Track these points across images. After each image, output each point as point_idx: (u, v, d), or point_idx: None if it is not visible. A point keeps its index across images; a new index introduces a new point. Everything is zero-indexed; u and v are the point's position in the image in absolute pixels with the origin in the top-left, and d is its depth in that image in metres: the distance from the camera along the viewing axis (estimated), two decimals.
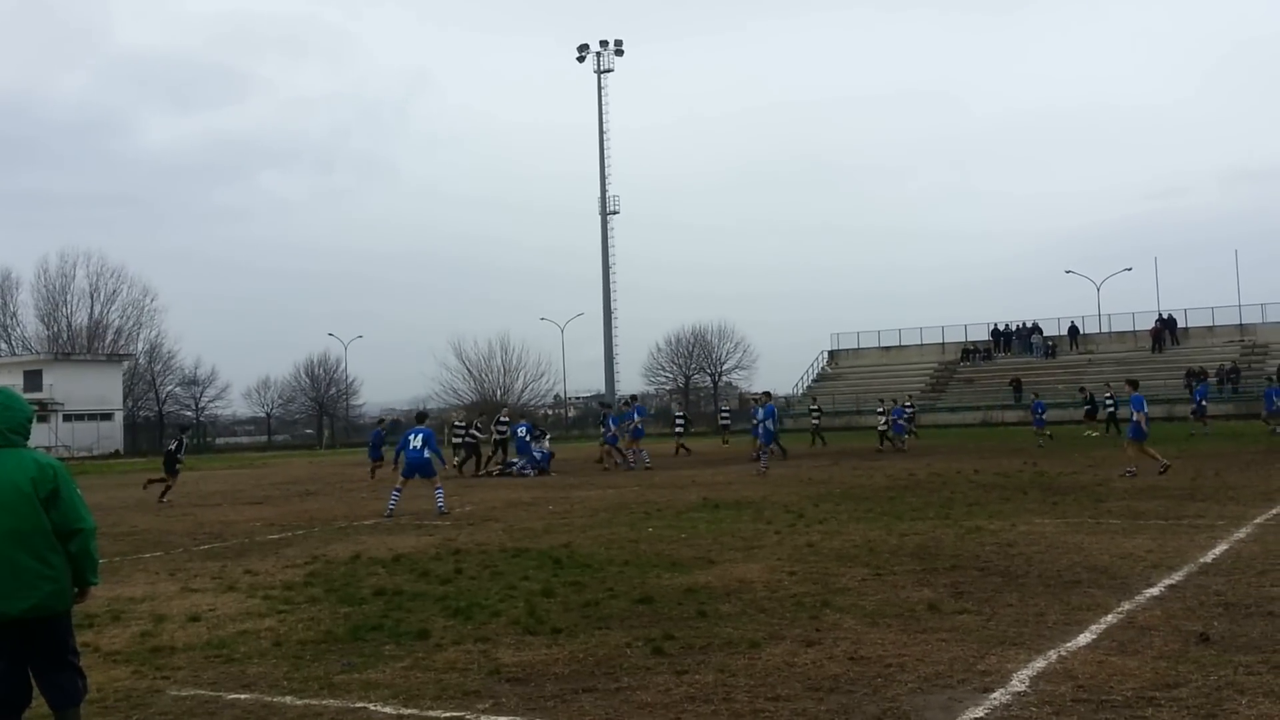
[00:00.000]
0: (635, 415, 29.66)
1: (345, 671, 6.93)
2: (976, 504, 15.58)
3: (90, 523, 5.31)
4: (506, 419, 30.48)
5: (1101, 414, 39.70)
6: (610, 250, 75.88)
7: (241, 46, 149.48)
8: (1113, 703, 5.59)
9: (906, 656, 6.69)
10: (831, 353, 71.47)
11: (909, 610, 8.11)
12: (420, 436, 17.51)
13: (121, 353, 78.83)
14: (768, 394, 27.95)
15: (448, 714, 5.90)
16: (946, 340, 67.85)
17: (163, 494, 22.91)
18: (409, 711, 5.96)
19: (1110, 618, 7.60)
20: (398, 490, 17.91)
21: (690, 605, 8.61)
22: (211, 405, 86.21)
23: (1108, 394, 39.73)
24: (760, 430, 24.88)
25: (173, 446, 24.19)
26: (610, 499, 19.17)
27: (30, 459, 5.26)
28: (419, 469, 17.43)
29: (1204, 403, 34.92)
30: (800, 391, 66.54)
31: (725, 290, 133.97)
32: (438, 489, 17.75)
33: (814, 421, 40.55)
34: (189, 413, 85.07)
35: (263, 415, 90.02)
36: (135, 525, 17.77)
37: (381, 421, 32.26)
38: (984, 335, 66.93)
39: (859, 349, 70.73)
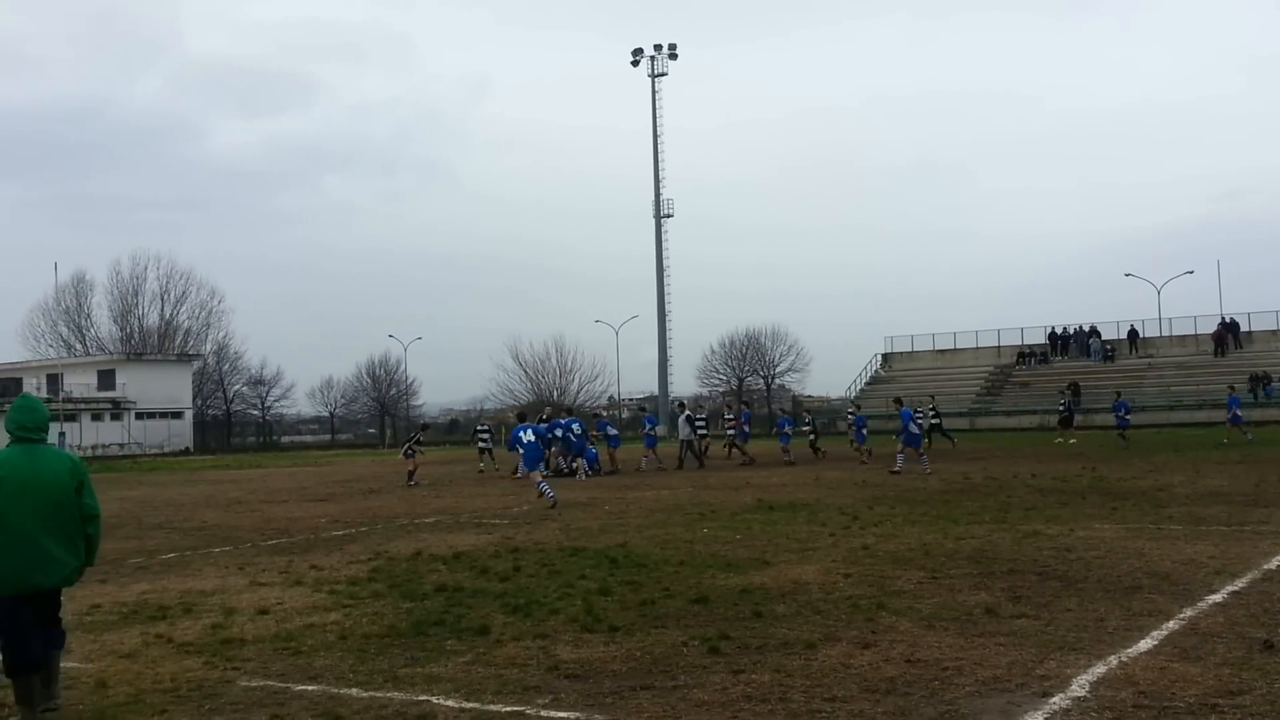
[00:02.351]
0: (647, 424, 29.73)
1: (408, 665, 7.01)
2: (1034, 508, 15.36)
3: (100, 510, 6.19)
4: (485, 426, 30.96)
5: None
6: (664, 253, 75.91)
7: (306, 52, 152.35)
8: (1175, 709, 5.48)
9: (964, 660, 6.62)
10: (885, 355, 70.78)
11: (966, 614, 8.02)
12: (531, 431, 19.20)
13: (191, 353, 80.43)
14: (898, 400, 27.52)
15: (508, 709, 5.94)
16: (1002, 343, 66.81)
17: (410, 475, 25.80)
18: (470, 705, 6.02)
19: (1172, 624, 7.46)
20: (538, 482, 18.76)
21: (745, 605, 8.59)
22: (277, 405, 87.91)
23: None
24: (903, 434, 24.19)
25: (411, 438, 28.03)
26: (665, 500, 19.17)
27: (63, 454, 6.13)
28: (536, 459, 18.98)
29: (1239, 411, 34.04)
30: (854, 393, 66.01)
31: (779, 292, 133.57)
32: (541, 482, 18.80)
33: (933, 421, 39.37)
34: (255, 411, 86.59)
35: (326, 415, 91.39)
36: (205, 521, 18.12)
37: (425, 426, 32.72)
38: (1040, 338, 65.80)
39: (913, 351, 69.95)
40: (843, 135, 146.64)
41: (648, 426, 30.22)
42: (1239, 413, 34.00)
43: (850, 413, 34.68)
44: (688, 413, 32.41)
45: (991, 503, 16.39)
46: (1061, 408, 40.55)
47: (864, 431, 30.24)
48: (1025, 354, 64.98)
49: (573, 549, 12.47)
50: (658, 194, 75.02)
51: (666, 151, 76.70)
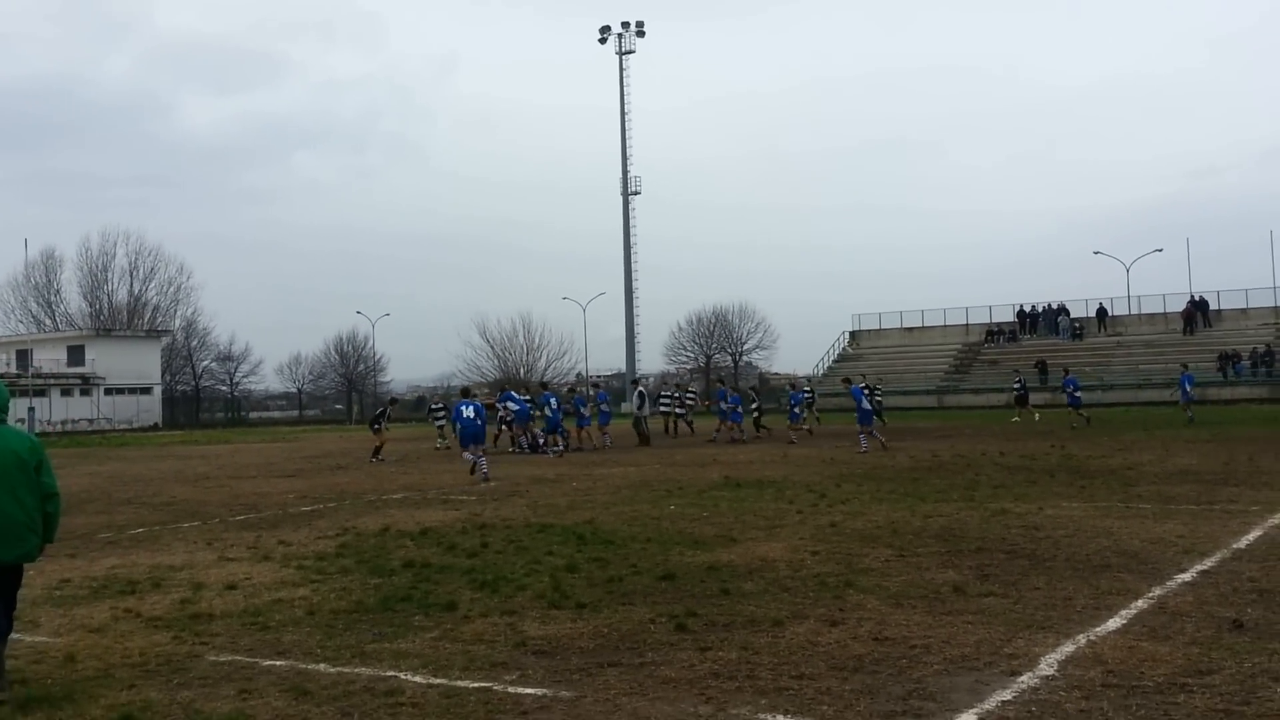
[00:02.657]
0: (601, 400, 29.77)
1: (376, 641, 6.94)
2: (1002, 486, 15.42)
3: (59, 488, 6.31)
4: (439, 404, 31.01)
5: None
6: (632, 230, 75.49)
7: (276, 29, 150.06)
8: (1144, 688, 5.48)
9: (932, 638, 6.61)
10: (853, 333, 71.01)
11: (934, 592, 8.02)
12: (472, 408, 19.54)
13: (160, 329, 79.72)
14: (846, 380, 27.71)
15: (475, 684, 5.87)
16: (971, 321, 67.25)
17: (375, 451, 25.62)
18: (438, 681, 5.95)
19: (1141, 603, 7.48)
20: (470, 457, 19.35)
21: (713, 583, 8.57)
22: (245, 380, 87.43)
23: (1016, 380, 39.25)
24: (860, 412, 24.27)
25: (379, 412, 27.52)
26: (632, 477, 19.14)
27: (22, 433, 6.27)
28: (475, 436, 19.27)
29: (1189, 389, 33.88)
30: (822, 371, 66.25)
31: (746, 270, 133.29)
32: (481, 457, 19.19)
33: (877, 399, 40.68)
34: (224, 387, 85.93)
35: (294, 391, 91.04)
36: (174, 496, 17.93)
37: (394, 401, 32.43)
38: (1009, 316, 66.23)
39: (881, 329, 70.22)
40: (811, 112, 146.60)
41: (601, 403, 30.23)
42: (1189, 390, 33.89)
43: (805, 391, 34.68)
44: (640, 389, 32.74)
45: (959, 480, 16.44)
46: (1016, 385, 40.71)
47: (798, 410, 30.26)
48: (994, 332, 65.40)
49: (540, 525, 12.42)
50: (625, 170, 74.58)
51: (635, 130, 76.63)
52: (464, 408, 19.71)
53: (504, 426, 28.85)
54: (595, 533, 11.65)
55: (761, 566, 9.28)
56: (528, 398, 30.00)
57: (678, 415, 34.18)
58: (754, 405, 33.64)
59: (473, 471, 19.15)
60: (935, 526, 11.44)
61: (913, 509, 12.98)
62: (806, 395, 36.72)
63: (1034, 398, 48.11)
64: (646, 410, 31.98)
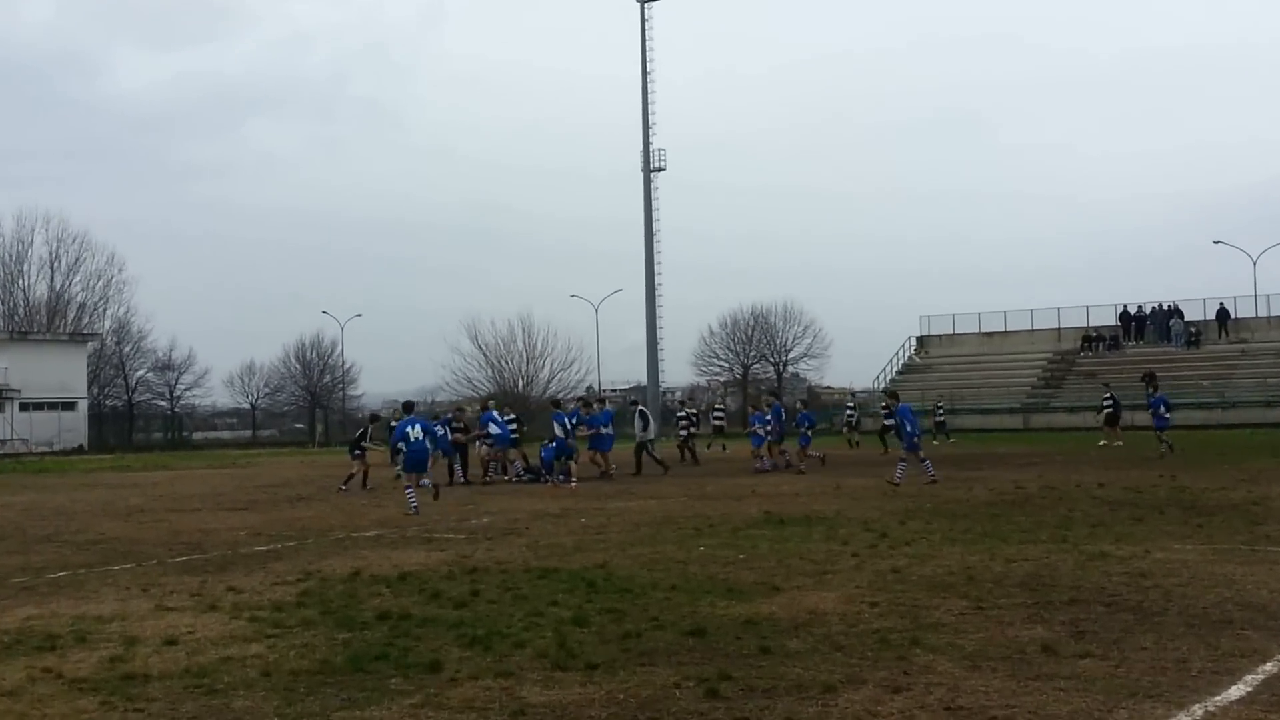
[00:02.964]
0: (603, 420, 29.33)
1: (345, 708, 6.98)
2: (1101, 524, 15.39)
3: None
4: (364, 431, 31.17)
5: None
6: (654, 214, 75.49)
7: None
8: None
9: (1016, 708, 6.61)
10: (920, 339, 71.00)
11: (1018, 652, 8.02)
12: (419, 427, 19.85)
13: (86, 332, 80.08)
14: (892, 394, 27.85)
15: None
16: (1064, 325, 67.12)
17: (347, 479, 26.19)
18: None
19: (1270, 666, 7.46)
20: (409, 488, 19.54)
21: (751, 639, 8.59)
22: (188, 394, 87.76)
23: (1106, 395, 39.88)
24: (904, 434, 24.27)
25: (360, 432, 27.61)
26: (653, 511, 19.18)
27: None
28: (420, 462, 19.69)
29: (1166, 413, 32.46)
30: (882, 385, 66.10)
31: (789, 266, 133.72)
32: (413, 485, 19.58)
33: (939, 420, 43.79)
34: (163, 402, 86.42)
35: (246, 406, 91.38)
36: (103, 532, 18.08)
37: (375, 418, 32.51)
38: (1110, 319, 66.10)
39: (954, 334, 70.24)
40: (862, 83, 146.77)
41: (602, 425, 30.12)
42: (1166, 414, 31.93)
43: (849, 408, 35.10)
44: (641, 408, 32.72)
45: (1049, 518, 16.42)
46: (1107, 402, 40.18)
47: (808, 433, 30.24)
48: (1091, 338, 65.28)
49: (542, 570, 12.45)
50: (646, 141, 74.50)
51: (660, 99, 75.90)
52: (409, 427, 19.92)
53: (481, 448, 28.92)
54: (609, 579, 11.67)
55: (810, 620, 9.28)
56: (512, 418, 30.29)
57: (681, 438, 34.39)
58: (681, 418, 34.86)
59: (407, 505, 19.27)
60: (1020, 573, 11.42)
61: (992, 552, 12.97)
62: (850, 413, 37.04)
63: (1138, 416, 47.44)
64: (652, 433, 32.18)
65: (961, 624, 9.03)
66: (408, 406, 23.42)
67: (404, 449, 19.65)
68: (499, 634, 9.00)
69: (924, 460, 23.92)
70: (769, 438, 30.03)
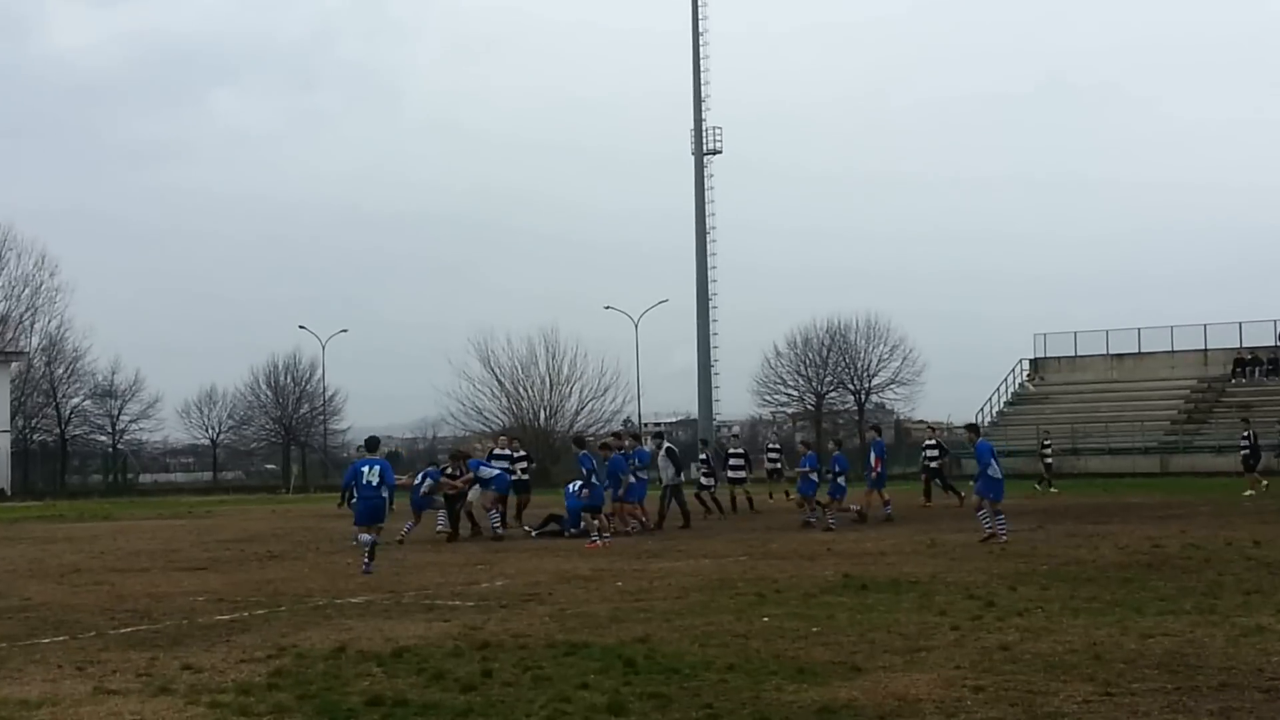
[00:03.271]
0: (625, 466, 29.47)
1: None
2: (1257, 592, 15.31)
3: None
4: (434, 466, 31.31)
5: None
6: (708, 207, 75.71)
7: None
8: None
9: None
10: (1034, 361, 70.67)
11: None
12: (377, 469, 20.30)
13: (8, 350, 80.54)
14: (974, 429, 28.18)
15: None
16: (1211, 345, 66.76)
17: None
18: None
19: None
20: (366, 538, 20.08)
21: None
22: (134, 427, 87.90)
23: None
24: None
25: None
26: (706, 573, 19.16)
27: None
28: (374, 512, 20.23)
29: (1047, 458, 33.92)
30: (989, 419, 65.79)
31: (869, 270, 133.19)
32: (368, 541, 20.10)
33: (1046, 460, 45.84)
34: (103, 436, 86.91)
35: (206, 443, 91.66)
36: (29, 597, 18.17)
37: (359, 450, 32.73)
38: (1269, 339, 65.59)
39: (1076, 357, 69.89)
40: (963, 39, 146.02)
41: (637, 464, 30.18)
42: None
43: (929, 447, 35.61)
44: (668, 445, 32.75)
45: (1194, 583, 16.32)
46: (1244, 443, 41.16)
47: (840, 480, 29.75)
48: (1246, 361, 64.79)
49: (569, 645, 12.47)
50: (699, 116, 74.88)
51: (711, 68, 75.94)
52: (365, 468, 20.44)
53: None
54: (651, 656, 11.68)
55: (899, 709, 9.27)
56: (522, 455, 31.30)
57: (701, 486, 34.51)
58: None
59: (368, 561, 19.88)
60: (1158, 651, 11.37)
61: (1124, 625, 12.90)
62: (930, 455, 37.26)
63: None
64: (686, 475, 32.73)
65: (1086, 714, 8.99)
66: (370, 444, 23.56)
67: (357, 494, 20.42)
68: None
69: (886, 503, 24.42)
70: (868, 482, 30.35)
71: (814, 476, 29.76)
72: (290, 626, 14.50)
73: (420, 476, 28.24)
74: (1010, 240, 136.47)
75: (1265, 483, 37.60)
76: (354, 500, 20.31)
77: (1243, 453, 41.09)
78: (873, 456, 31.53)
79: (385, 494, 20.42)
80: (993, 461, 24.46)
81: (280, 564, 22.88)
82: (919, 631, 12.86)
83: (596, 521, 25.91)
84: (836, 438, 41.44)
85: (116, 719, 9.59)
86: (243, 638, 13.70)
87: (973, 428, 30.49)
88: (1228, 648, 11.48)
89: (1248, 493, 37.73)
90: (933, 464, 37.35)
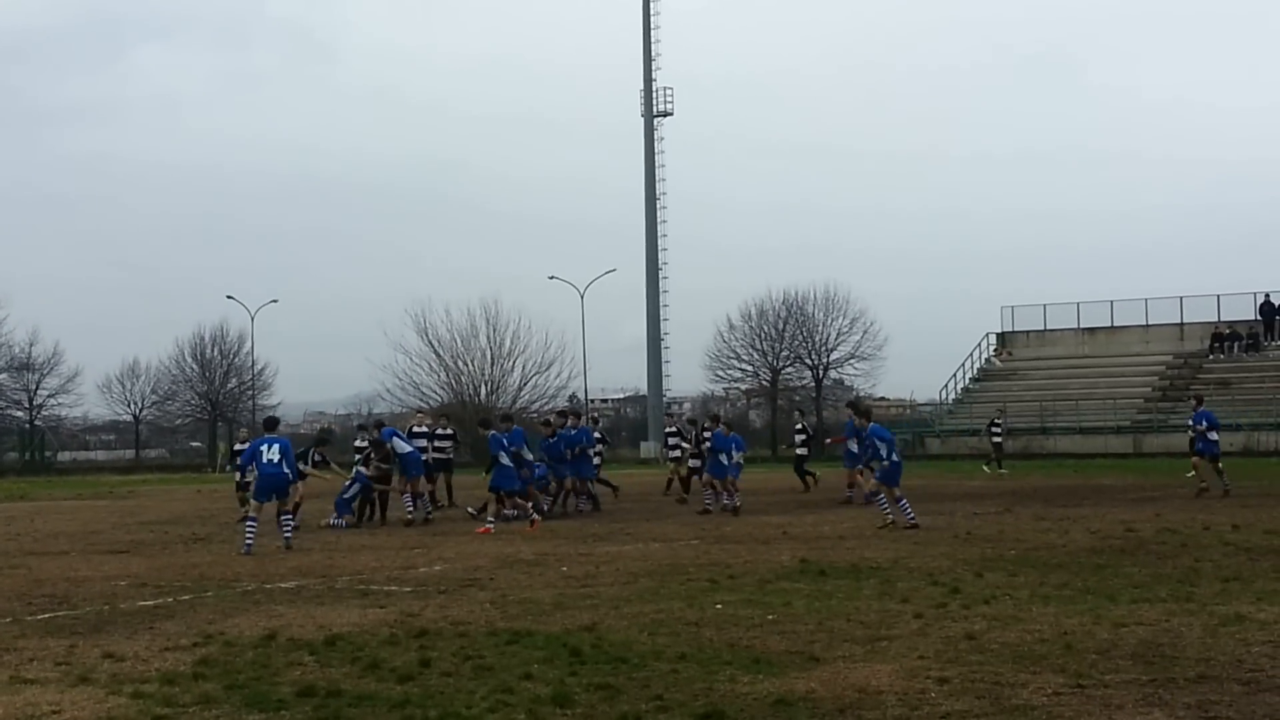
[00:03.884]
0: (583, 439, 29.61)
1: None
2: (1235, 578, 15.39)
3: None
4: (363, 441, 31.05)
5: None
6: (658, 172, 75.65)
7: None
8: None
9: None
10: (1002, 336, 71.02)
11: None
12: (276, 448, 21.46)
13: None
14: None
15: None
16: (1187, 319, 67.25)
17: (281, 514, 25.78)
18: None
19: None
20: (253, 520, 21.39)
21: None
22: (53, 402, 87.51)
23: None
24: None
25: (307, 451, 28.23)
26: (656, 557, 19.20)
27: None
28: (276, 488, 21.48)
29: (996, 438, 33.92)
30: (952, 396, 66.14)
31: (827, 243, 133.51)
32: (286, 515, 21.86)
33: (995, 440, 46.07)
34: (20, 412, 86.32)
35: (128, 419, 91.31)
36: None
37: (325, 440, 32.65)
38: (1248, 313, 66.06)
39: (1046, 331, 70.34)
40: (935, 12, 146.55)
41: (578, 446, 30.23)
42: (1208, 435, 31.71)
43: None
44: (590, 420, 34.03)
45: (1169, 569, 16.43)
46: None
47: (730, 461, 29.68)
48: (1224, 336, 65.22)
49: (512, 633, 12.47)
50: (649, 77, 74.78)
51: (662, 25, 75.65)
52: (264, 445, 21.67)
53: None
54: (598, 645, 11.67)
55: (860, 701, 9.28)
56: (449, 433, 32.05)
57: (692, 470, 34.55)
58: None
59: (246, 545, 20.93)
60: (1132, 641, 11.43)
61: (1096, 613, 12.97)
62: (800, 440, 37.65)
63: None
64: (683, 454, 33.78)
65: (1057, 706, 9.02)
66: (269, 424, 24.69)
67: (258, 472, 21.61)
68: (456, 716, 9.01)
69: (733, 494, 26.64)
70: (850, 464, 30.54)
71: (723, 458, 29.56)
72: (217, 613, 14.45)
73: (349, 483, 28.00)
74: (978, 215, 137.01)
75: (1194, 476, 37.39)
76: (255, 478, 21.55)
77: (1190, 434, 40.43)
78: (847, 435, 31.41)
79: (286, 469, 21.45)
80: (890, 449, 24.24)
81: (206, 547, 22.82)
82: (880, 620, 12.89)
83: (517, 502, 26.22)
84: (714, 413, 41.26)
85: (33, 709, 9.51)
86: (167, 625, 13.65)
87: (854, 405, 30.73)
88: (1205, 637, 11.53)
89: (1189, 473, 37.82)
90: (800, 450, 37.38)
